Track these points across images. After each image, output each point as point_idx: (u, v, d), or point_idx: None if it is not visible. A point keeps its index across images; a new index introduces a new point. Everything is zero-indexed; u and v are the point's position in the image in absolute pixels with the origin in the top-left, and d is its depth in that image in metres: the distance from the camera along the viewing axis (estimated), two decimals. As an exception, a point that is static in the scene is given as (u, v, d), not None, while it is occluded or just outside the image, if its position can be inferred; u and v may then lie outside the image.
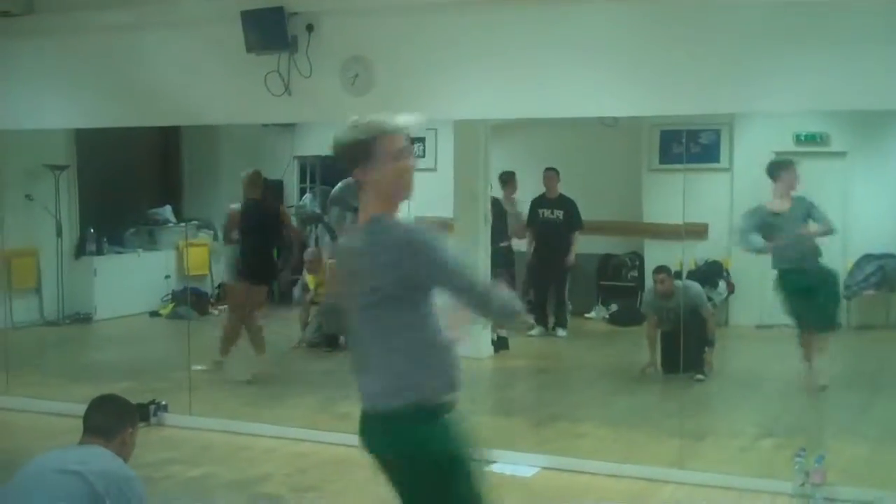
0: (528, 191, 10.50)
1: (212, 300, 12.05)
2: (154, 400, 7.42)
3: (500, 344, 9.60)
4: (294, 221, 12.25)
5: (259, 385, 8.44)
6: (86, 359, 9.84)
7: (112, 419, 3.94)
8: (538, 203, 10.26)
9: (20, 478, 3.67)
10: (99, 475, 3.59)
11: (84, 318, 10.78)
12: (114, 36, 7.48)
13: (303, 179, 12.58)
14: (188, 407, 7.47)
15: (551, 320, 10.50)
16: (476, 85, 6.52)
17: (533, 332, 10.25)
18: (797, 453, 5.72)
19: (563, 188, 10.49)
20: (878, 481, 5.91)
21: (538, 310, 10.46)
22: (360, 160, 3.31)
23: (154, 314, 11.67)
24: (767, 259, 8.87)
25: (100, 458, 3.73)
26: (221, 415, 7.37)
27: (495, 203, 9.86)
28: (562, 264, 10.31)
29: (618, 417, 7.45)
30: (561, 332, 10.38)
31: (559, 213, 10.26)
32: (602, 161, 11.07)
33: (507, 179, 10.68)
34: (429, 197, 9.62)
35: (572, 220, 10.27)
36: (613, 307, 11.08)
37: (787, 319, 8.67)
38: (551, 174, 10.40)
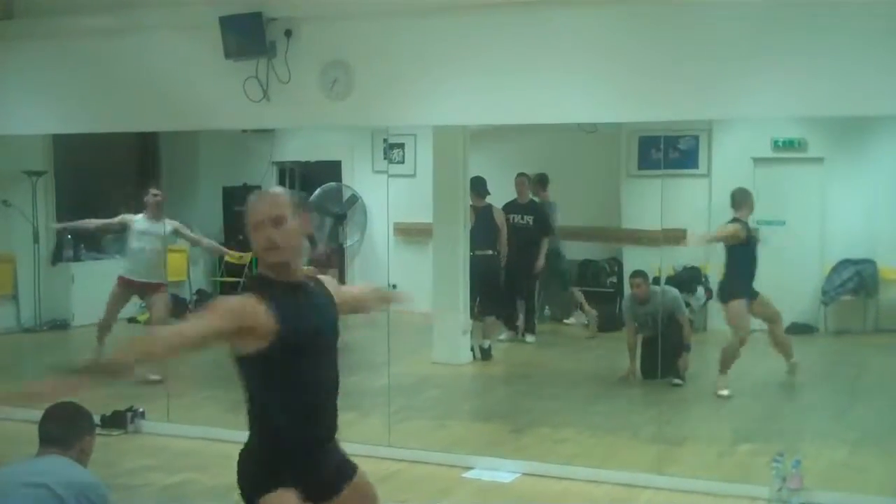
0: (509, 196, 10.47)
1: (190, 306, 12.00)
2: (131, 407, 7.39)
3: (484, 354, 9.60)
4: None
5: (237, 392, 8.39)
6: (63, 366, 9.76)
7: (69, 428, 3.91)
8: (508, 208, 10.26)
9: None
10: (65, 485, 3.57)
11: (61, 325, 10.71)
12: (92, 41, 7.46)
13: (281, 185, 12.55)
14: (166, 414, 7.44)
15: (521, 326, 10.50)
16: (455, 91, 6.53)
17: (501, 336, 10.25)
18: (774, 458, 5.74)
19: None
20: (855, 485, 5.95)
21: (509, 315, 10.46)
22: None
23: (132, 320, 11.59)
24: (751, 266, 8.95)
25: (63, 467, 3.71)
26: (200, 421, 7.34)
27: (485, 210, 9.86)
28: (531, 270, 10.32)
29: (597, 423, 7.46)
30: (529, 338, 10.38)
31: (529, 219, 10.27)
32: (581, 167, 11.09)
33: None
34: (408, 203, 9.70)
35: (542, 225, 10.29)
36: (593, 313, 11.09)
37: (765, 324, 8.74)
38: (522, 179, 10.41)
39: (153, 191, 9.16)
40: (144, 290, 9.06)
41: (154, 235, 8.90)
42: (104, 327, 8.80)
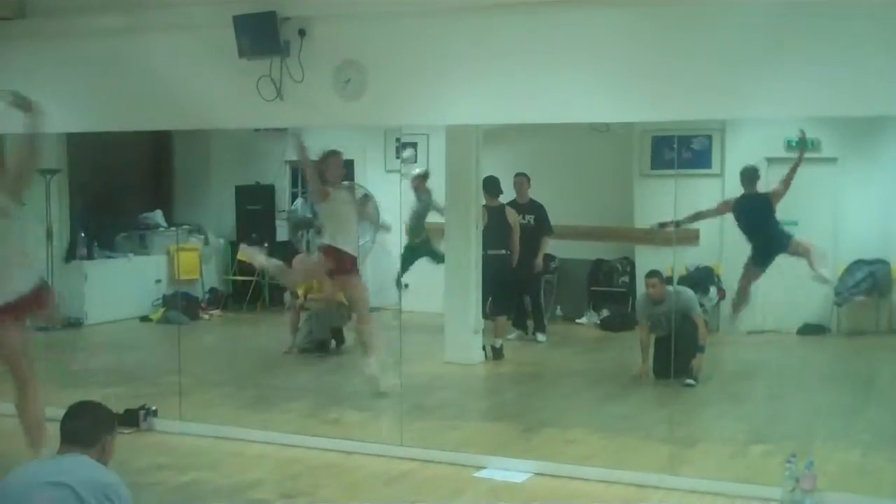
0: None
1: (203, 304, 12.04)
2: (144, 405, 7.40)
3: (496, 353, 9.60)
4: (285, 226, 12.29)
5: (249, 390, 8.43)
6: (76, 364, 9.80)
7: (90, 427, 3.91)
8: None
9: (4, 492, 3.65)
10: (85, 485, 3.57)
11: (74, 323, 10.76)
12: (105, 41, 7.47)
13: (294, 184, 12.58)
14: (178, 412, 7.45)
15: (531, 325, 10.49)
16: (468, 90, 6.52)
17: (510, 336, 10.24)
18: (787, 459, 5.72)
19: (553, 193, 10.51)
20: (869, 487, 5.92)
21: (517, 315, 10.45)
22: None
23: (145, 319, 11.65)
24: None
25: (83, 466, 3.71)
26: (212, 420, 7.35)
27: (498, 209, 9.85)
28: (533, 269, 10.32)
29: (609, 423, 7.44)
30: (540, 337, 10.39)
31: (530, 218, 10.27)
32: (594, 166, 11.09)
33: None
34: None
35: (542, 225, 10.29)
36: (605, 312, 11.10)
37: (778, 325, 8.74)
38: (522, 179, 10.41)
39: None
40: None
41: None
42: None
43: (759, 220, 8.59)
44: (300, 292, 10.11)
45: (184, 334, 8.60)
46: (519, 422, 7.50)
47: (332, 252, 7.96)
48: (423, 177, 10.84)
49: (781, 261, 9.05)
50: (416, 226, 10.64)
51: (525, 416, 7.70)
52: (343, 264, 8.01)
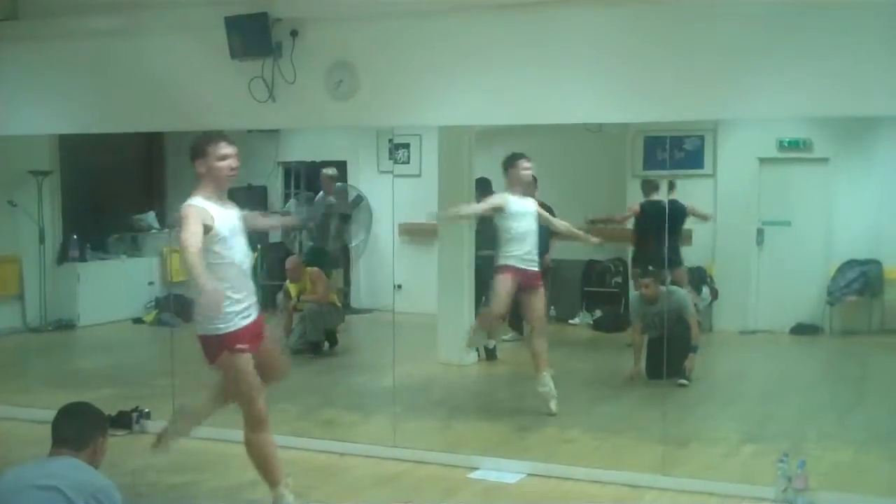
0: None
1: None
2: (137, 407, 7.39)
3: (489, 354, 9.59)
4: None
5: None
6: (69, 366, 9.79)
7: (82, 428, 3.90)
8: None
9: None
10: (76, 488, 3.56)
11: (67, 325, 10.74)
12: (98, 42, 7.47)
13: (287, 185, 12.56)
14: (171, 414, 7.43)
15: (525, 326, 10.47)
16: (461, 91, 6.53)
17: (506, 336, 10.22)
18: (780, 459, 5.73)
19: (547, 194, 10.48)
20: (861, 486, 5.94)
21: (513, 315, 10.43)
22: None
23: (138, 321, 11.63)
24: (752, 265, 8.93)
25: (74, 469, 3.70)
26: (205, 422, 7.33)
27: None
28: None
29: (602, 424, 7.45)
30: None
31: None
32: (586, 167, 11.07)
33: None
34: (413, 203, 9.70)
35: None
36: (597, 313, 11.08)
37: (770, 325, 8.72)
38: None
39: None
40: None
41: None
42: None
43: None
44: (293, 293, 10.09)
45: (176, 336, 8.55)
46: (512, 422, 7.50)
47: (519, 271, 7.75)
48: (333, 177, 11.06)
49: (774, 260, 9.09)
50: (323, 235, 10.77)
51: (518, 416, 7.70)
52: (532, 280, 7.87)
